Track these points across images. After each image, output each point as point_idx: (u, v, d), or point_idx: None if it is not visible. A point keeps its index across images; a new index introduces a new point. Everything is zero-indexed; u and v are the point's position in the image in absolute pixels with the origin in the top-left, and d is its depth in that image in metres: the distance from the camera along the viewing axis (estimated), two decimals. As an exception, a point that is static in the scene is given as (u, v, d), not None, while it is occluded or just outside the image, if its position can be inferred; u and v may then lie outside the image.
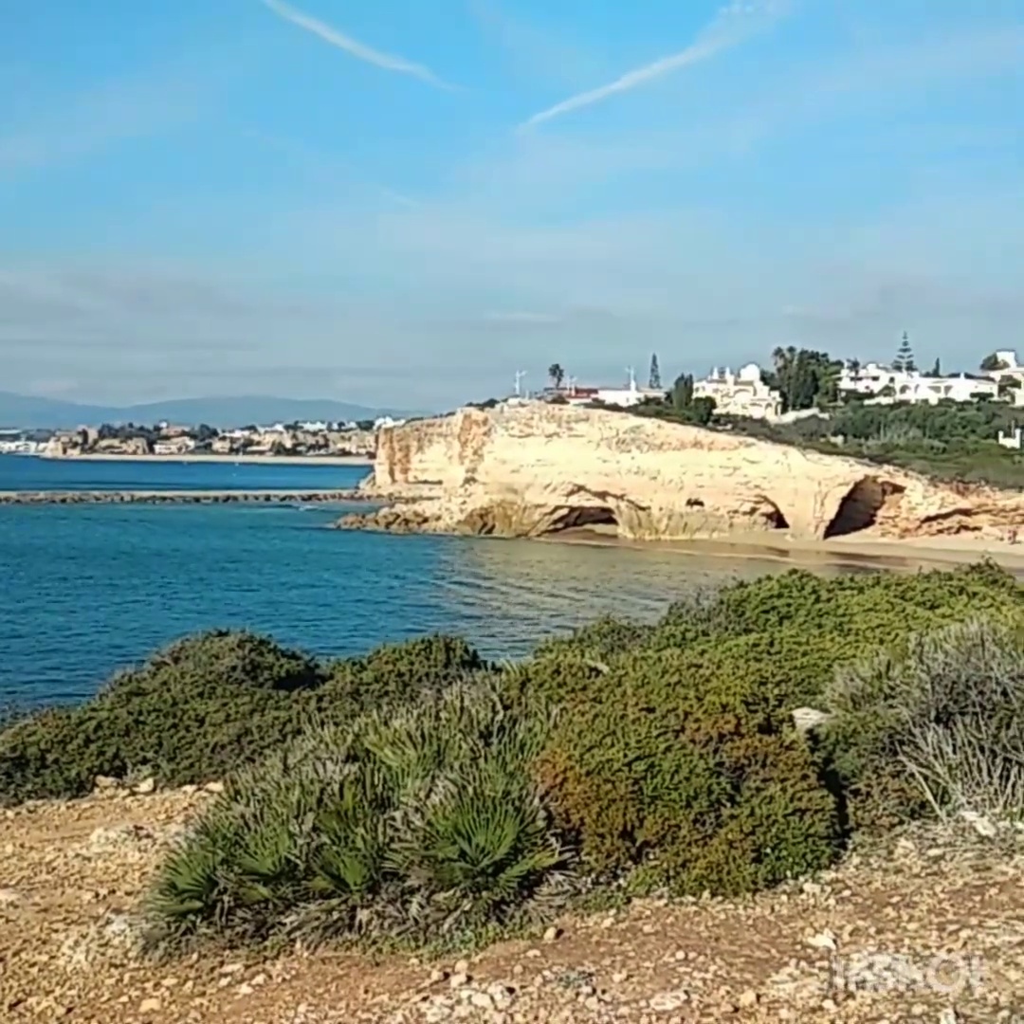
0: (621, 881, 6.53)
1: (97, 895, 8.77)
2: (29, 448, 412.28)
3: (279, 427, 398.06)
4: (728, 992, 5.16)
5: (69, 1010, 6.39)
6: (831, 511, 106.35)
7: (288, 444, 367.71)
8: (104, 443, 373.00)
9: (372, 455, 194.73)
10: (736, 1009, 5.02)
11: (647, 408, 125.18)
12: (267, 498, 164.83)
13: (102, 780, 13.59)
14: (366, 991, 5.80)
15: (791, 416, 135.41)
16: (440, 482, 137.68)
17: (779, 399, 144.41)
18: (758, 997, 5.08)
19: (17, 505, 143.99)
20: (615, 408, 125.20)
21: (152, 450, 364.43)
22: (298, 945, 6.51)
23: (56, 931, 7.81)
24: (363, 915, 6.50)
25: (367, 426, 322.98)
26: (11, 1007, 6.56)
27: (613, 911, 6.27)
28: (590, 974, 5.47)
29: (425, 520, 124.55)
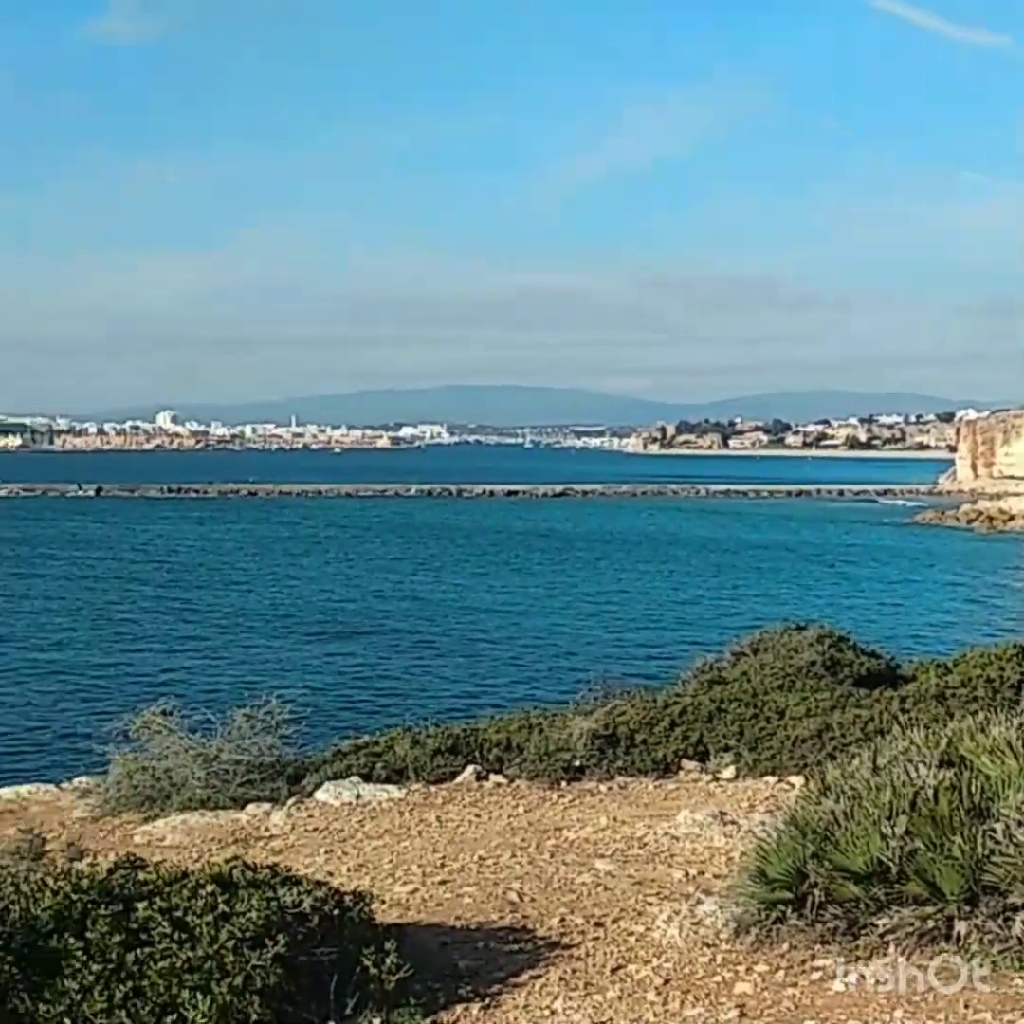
0: None
1: (686, 874, 9.12)
2: (612, 443, 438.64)
3: (853, 420, 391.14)
4: None
5: (666, 981, 6.68)
6: None
7: (862, 438, 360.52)
8: (681, 438, 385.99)
9: (952, 448, 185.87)
10: None
11: None
12: (840, 493, 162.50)
13: (686, 763, 14.09)
14: (966, 1006, 5.59)
15: None
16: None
17: None
18: None
19: (602, 497, 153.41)
20: None
21: (726, 445, 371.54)
22: (891, 949, 6.38)
23: (650, 904, 8.22)
24: (960, 927, 6.25)
25: (947, 418, 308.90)
26: (612, 971, 6.98)
27: None
28: None
29: (1011, 517, 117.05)
